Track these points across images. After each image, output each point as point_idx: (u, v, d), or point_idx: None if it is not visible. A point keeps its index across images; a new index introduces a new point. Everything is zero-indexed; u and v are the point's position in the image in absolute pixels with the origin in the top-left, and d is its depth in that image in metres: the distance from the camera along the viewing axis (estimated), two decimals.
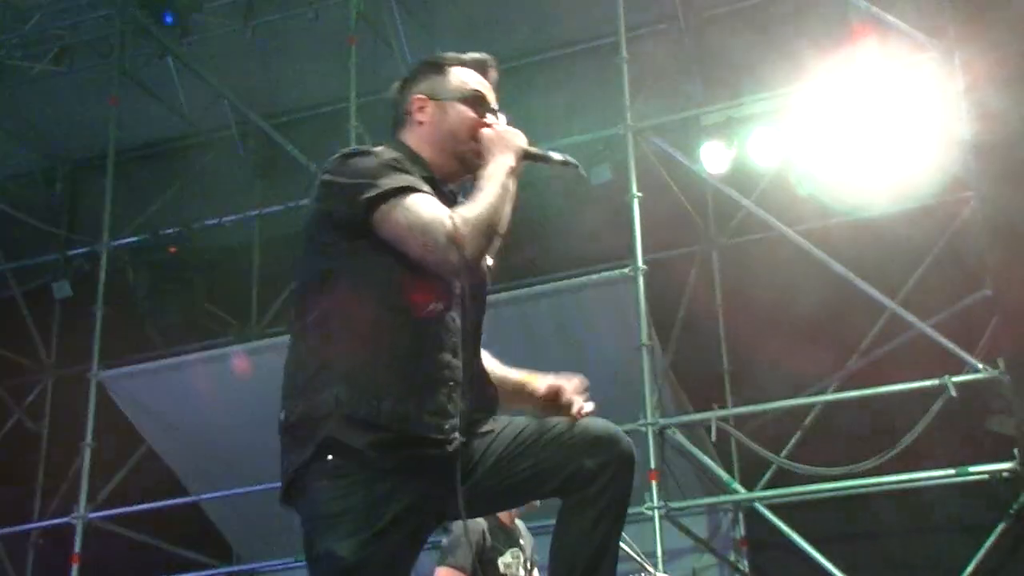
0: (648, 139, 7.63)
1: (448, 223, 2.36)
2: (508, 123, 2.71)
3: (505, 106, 2.75)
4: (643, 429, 7.16)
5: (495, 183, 2.48)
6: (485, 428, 2.56)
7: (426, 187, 2.49)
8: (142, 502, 8.08)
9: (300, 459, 2.43)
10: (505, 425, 2.59)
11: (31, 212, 9.38)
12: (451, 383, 2.44)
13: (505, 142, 2.58)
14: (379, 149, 2.58)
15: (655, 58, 8.48)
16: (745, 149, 7.77)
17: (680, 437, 7.41)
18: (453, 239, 2.35)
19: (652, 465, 7.08)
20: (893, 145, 7.23)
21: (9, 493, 9.07)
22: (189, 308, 8.75)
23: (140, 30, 8.71)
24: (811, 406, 7.78)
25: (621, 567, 6.16)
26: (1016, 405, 6.59)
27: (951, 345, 6.83)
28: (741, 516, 8.36)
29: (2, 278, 9.32)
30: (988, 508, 7.07)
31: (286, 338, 2.68)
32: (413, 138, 2.65)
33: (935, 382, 6.76)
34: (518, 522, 5.32)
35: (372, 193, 2.40)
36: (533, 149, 2.64)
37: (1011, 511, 6.93)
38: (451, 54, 2.75)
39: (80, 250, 8.97)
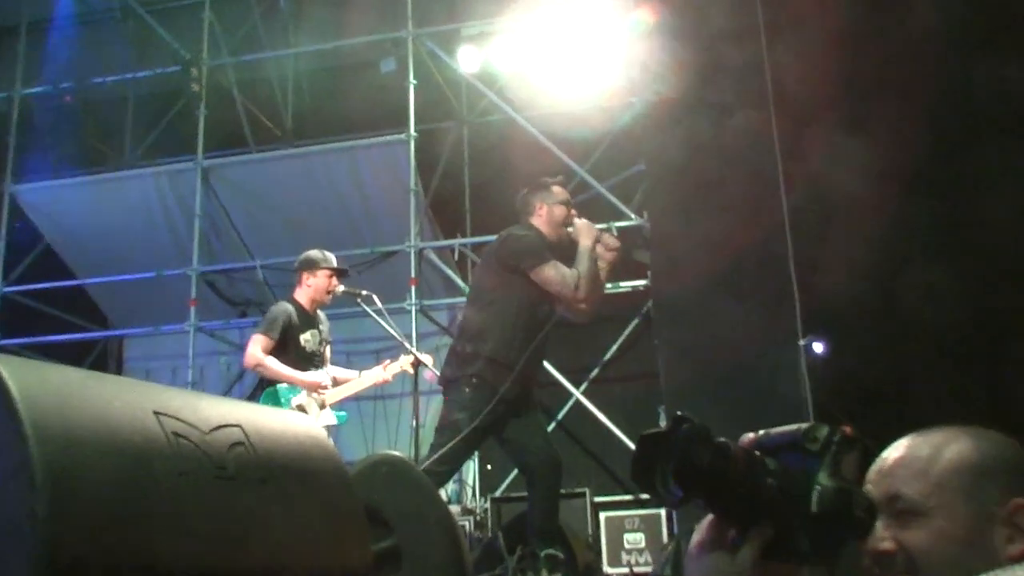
0: (423, 42, 9.32)
1: (572, 279, 4.53)
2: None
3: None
4: (408, 249, 8.64)
5: (588, 256, 4.64)
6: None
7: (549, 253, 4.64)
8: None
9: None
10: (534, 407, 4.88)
11: None
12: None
13: (589, 230, 4.71)
14: (529, 233, 4.64)
15: None
16: (490, 53, 9.27)
17: (433, 256, 9.03)
18: (576, 287, 4.53)
19: (413, 275, 8.57)
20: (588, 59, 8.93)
21: None
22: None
23: None
24: None
25: (385, 343, 8.35)
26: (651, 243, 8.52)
27: (616, 201, 8.79)
28: None
29: None
30: (631, 309, 9.19)
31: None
32: (538, 222, 4.80)
33: (605, 225, 7.85)
34: (319, 312, 5.94)
35: (534, 260, 4.62)
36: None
37: (643, 312, 9.01)
38: (550, 179, 4.83)
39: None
